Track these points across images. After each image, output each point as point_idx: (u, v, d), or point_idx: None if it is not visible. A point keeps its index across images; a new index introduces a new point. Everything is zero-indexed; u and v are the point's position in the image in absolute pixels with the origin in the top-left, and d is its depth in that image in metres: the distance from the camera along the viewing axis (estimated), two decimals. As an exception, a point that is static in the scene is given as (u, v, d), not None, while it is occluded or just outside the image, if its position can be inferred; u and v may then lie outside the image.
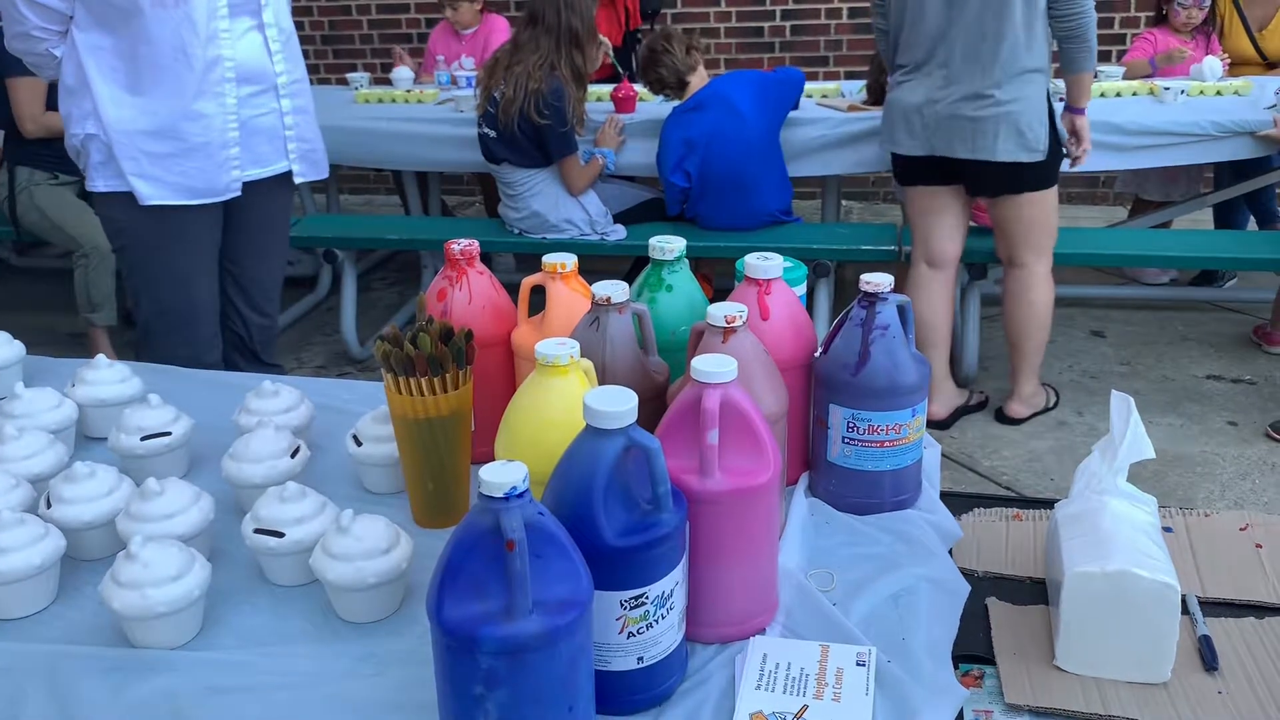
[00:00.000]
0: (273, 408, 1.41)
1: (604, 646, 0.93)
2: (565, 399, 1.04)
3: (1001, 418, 3.44)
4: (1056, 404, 3.52)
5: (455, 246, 1.36)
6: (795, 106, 3.77)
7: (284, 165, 2.46)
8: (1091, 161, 3.35)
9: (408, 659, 1.05)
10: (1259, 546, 1.34)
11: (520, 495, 0.81)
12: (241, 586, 1.18)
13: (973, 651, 1.16)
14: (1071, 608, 1.10)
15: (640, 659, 0.95)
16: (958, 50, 2.96)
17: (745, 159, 3.66)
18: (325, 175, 2.60)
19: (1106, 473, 1.21)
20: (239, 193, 2.36)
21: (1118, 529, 1.14)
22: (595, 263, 4.06)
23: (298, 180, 2.52)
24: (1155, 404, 3.44)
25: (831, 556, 1.22)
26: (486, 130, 3.69)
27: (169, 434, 1.37)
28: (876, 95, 3.84)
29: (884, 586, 1.15)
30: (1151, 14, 4.65)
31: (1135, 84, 4.00)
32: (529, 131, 3.57)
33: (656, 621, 0.95)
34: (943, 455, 3.19)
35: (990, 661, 1.15)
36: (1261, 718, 1.05)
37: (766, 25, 5.89)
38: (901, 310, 1.27)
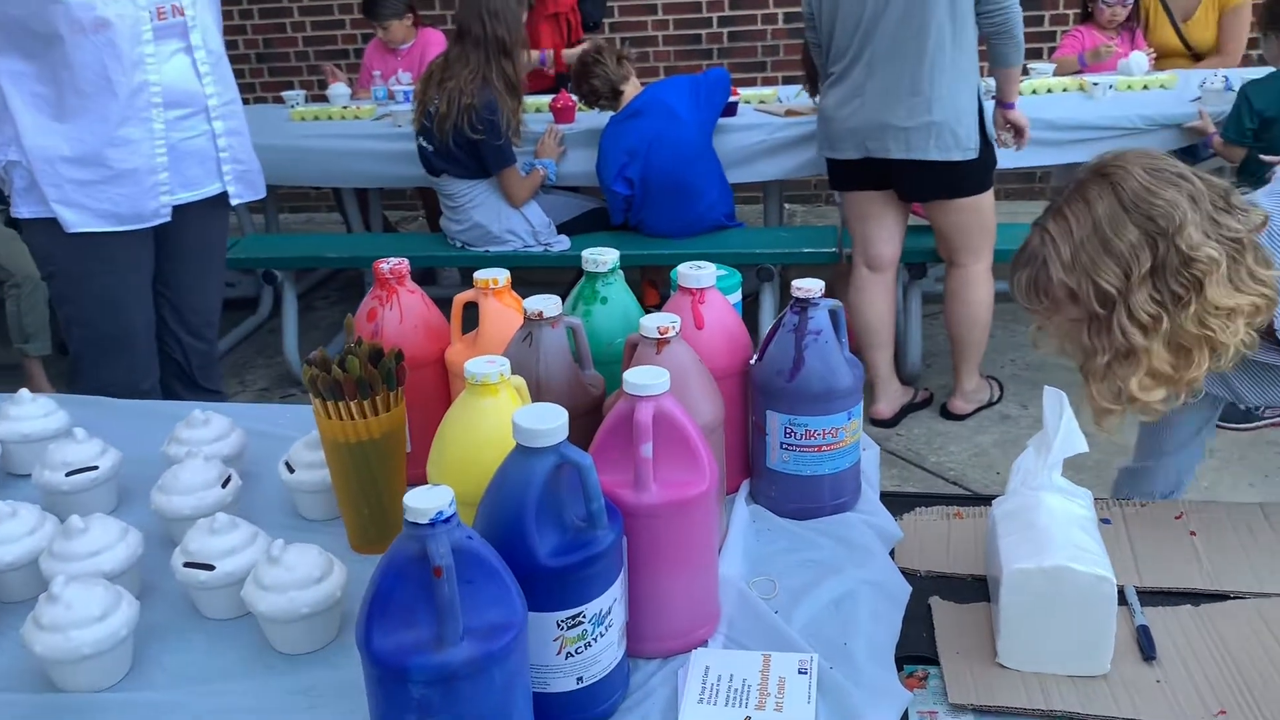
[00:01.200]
0: (202, 437, 1.38)
1: (542, 668, 0.92)
2: (496, 418, 1.03)
3: (946, 414, 3.47)
4: (1000, 398, 3.56)
5: (384, 265, 1.34)
6: (726, 108, 3.79)
7: (217, 187, 2.42)
8: (1025, 157, 3.40)
9: (346, 690, 1.02)
10: (1193, 534, 1.36)
11: (447, 520, 0.80)
12: (173, 623, 1.15)
13: (917, 652, 1.16)
14: (1011, 605, 1.11)
15: (580, 679, 0.94)
16: (885, 52, 2.99)
17: (686, 164, 3.67)
18: (262, 195, 2.56)
19: (1041, 468, 1.22)
20: (168, 218, 2.32)
21: (1053, 524, 1.15)
22: (541, 274, 4.07)
23: (234, 202, 2.48)
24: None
25: (773, 563, 1.22)
26: (424, 144, 3.67)
27: (95, 468, 1.33)
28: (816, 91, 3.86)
29: (825, 591, 1.15)
30: (1079, 11, 4.73)
31: (1065, 80, 4.07)
32: (465, 145, 3.55)
33: (595, 640, 0.94)
34: (889, 453, 3.25)
35: (935, 661, 1.15)
36: (1198, 704, 1.07)
37: (704, 32, 5.91)
38: (834, 314, 1.27)
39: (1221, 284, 1.27)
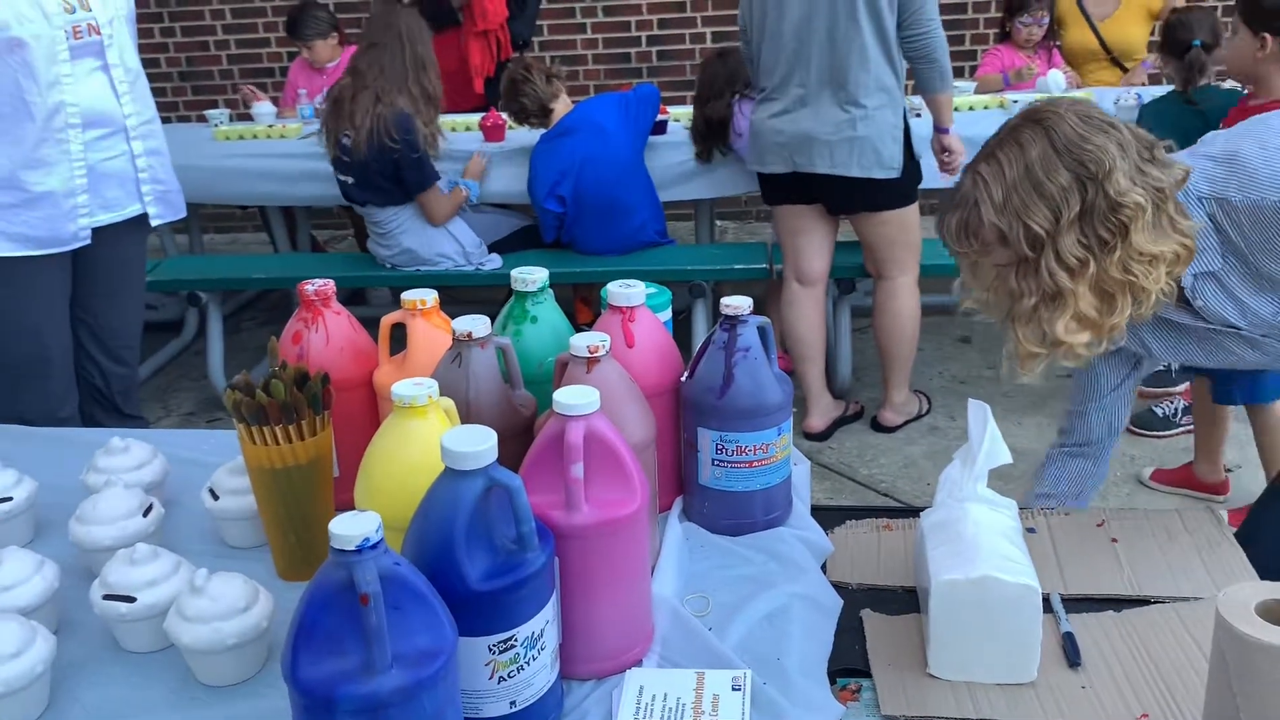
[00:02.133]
0: (122, 465, 1.34)
1: (473, 694, 0.91)
2: (424, 441, 1.02)
3: (877, 426, 3.52)
4: (929, 410, 3.62)
5: (309, 287, 1.32)
6: (656, 126, 3.81)
7: (137, 209, 2.37)
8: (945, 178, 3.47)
9: (273, 721, 1.00)
10: (1114, 541, 1.39)
11: (374, 546, 0.79)
12: (93, 657, 1.12)
13: (850, 665, 1.17)
14: (939, 615, 1.13)
15: (513, 703, 0.93)
16: (813, 70, 3.05)
17: (617, 181, 3.68)
18: (183, 215, 2.52)
19: (966, 480, 1.24)
20: (88, 241, 2.26)
21: (979, 535, 1.16)
22: (473, 293, 4.05)
23: (155, 223, 2.43)
24: (1021, 405, 3.56)
25: (706, 580, 1.22)
26: (342, 177, 3.61)
27: (9, 499, 1.29)
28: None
29: (758, 607, 1.16)
30: (998, 31, 4.85)
31: (986, 98, 4.17)
32: (384, 168, 3.48)
33: (528, 663, 0.93)
34: (822, 465, 3.28)
35: (867, 674, 1.16)
36: (1122, 708, 1.09)
37: (633, 51, 5.95)
38: (762, 331, 1.28)
39: (1146, 230, 1.31)
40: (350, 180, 3.59)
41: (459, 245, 3.71)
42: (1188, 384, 3.21)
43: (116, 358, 2.49)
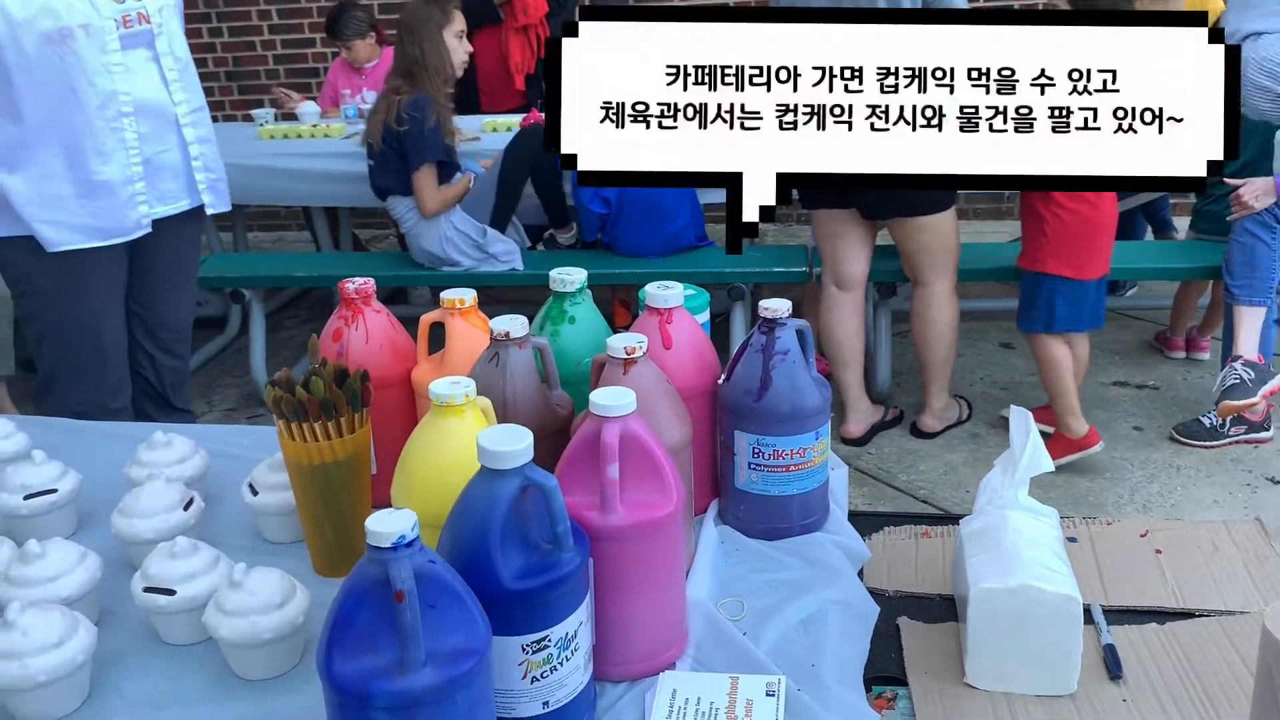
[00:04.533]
0: (164, 459, 1.36)
1: (506, 693, 0.91)
2: (461, 439, 1.02)
3: (916, 432, 3.49)
4: (969, 417, 3.58)
5: (350, 285, 1.33)
6: None
7: (188, 202, 2.39)
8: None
9: (307, 716, 1.01)
10: (1158, 552, 1.37)
11: (410, 544, 0.79)
12: (133, 648, 1.13)
13: (886, 672, 1.16)
14: (978, 624, 1.11)
15: (546, 703, 0.93)
16: None
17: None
18: (229, 207, 2.54)
19: (1007, 487, 1.22)
20: (149, 229, 2.29)
21: (1019, 543, 1.15)
22: (513, 293, 4.06)
23: (210, 211, 2.46)
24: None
25: (741, 584, 1.21)
26: (369, 161, 3.68)
27: (54, 491, 1.31)
28: None
29: (793, 612, 1.15)
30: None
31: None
32: (393, 144, 3.54)
33: (561, 664, 0.93)
34: (860, 471, 3.26)
35: (903, 682, 1.15)
36: (1165, 723, 1.07)
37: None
38: (801, 334, 1.27)
39: None
40: (373, 162, 3.65)
41: (467, 238, 3.70)
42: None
43: (169, 350, 2.52)
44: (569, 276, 1.33)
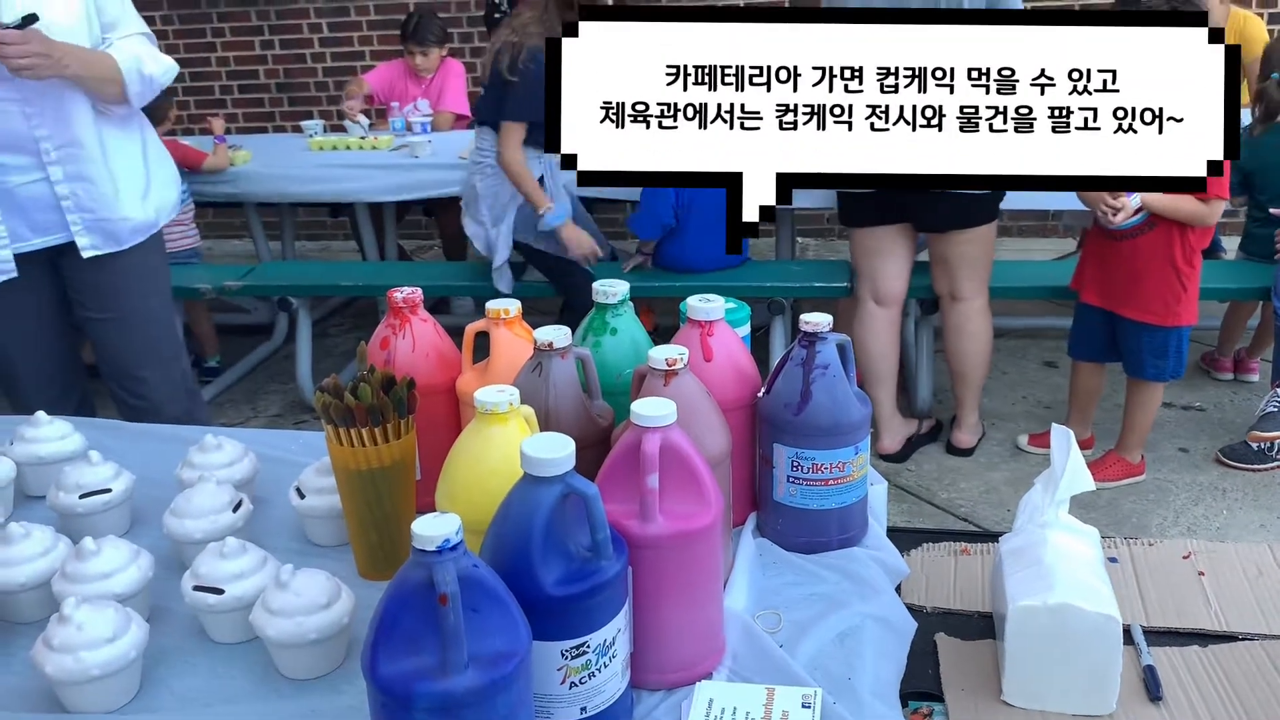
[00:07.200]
0: (215, 462, 1.39)
1: (545, 698, 0.92)
2: (505, 447, 1.04)
3: (951, 449, 3.47)
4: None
5: (398, 294, 1.36)
6: None
7: (62, 236, 2.27)
8: (1035, 199, 3.42)
9: (351, 715, 1.03)
10: (1201, 574, 1.35)
11: (454, 548, 0.81)
12: (182, 646, 1.16)
13: (922, 688, 1.16)
14: (1016, 642, 1.11)
15: (583, 709, 0.94)
16: None
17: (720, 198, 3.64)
18: (124, 246, 2.36)
19: (1047, 505, 1.22)
20: (14, 274, 2.21)
21: (1059, 562, 1.14)
22: (552, 303, 4.09)
23: (86, 254, 2.29)
24: (1109, 432, 3.47)
25: (778, 597, 1.22)
26: (476, 90, 3.56)
27: (109, 491, 1.35)
28: None
29: (830, 626, 1.15)
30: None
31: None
32: (499, 87, 3.34)
33: (599, 670, 0.94)
34: (900, 488, 3.24)
35: (940, 698, 1.15)
36: (1205, 747, 1.06)
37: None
38: (842, 349, 1.28)
39: None
40: (481, 92, 3.51)
41: (494, 232, 3.56)
42: None
43: (128, 388, 2.44)
44: (612, 289, 1.34)
